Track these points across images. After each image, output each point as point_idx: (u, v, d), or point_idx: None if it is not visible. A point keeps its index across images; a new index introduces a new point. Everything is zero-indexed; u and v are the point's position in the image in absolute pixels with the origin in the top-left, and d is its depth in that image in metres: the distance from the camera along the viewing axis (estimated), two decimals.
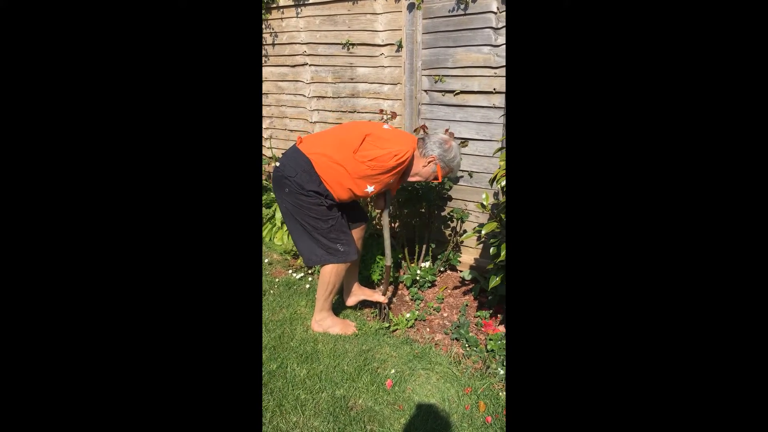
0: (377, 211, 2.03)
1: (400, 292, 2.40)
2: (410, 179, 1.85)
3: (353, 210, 1.96)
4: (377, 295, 2.09)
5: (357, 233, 2.00)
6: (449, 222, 2.42)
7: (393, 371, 1.74)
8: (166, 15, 0.64)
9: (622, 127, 0.62)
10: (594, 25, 0.63)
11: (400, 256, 2.53)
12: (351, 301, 2.16)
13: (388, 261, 2.03)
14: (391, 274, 2.22)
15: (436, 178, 1.81)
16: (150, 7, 0.63)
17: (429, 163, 1.76)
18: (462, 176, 2.37)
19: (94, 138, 0.62)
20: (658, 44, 0.61)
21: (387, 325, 2.05)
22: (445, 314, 2.20)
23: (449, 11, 2.17)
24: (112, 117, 0.62)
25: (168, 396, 0.63)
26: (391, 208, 2.00)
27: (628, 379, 0.61)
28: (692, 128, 0.60)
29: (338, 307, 2.18)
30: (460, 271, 2.48)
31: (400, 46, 2.38)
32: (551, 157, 0.66)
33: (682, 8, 0.59)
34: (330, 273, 1.84)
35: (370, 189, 1.70)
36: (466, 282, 2.43)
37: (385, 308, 2.09)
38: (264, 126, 3.30)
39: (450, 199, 2.46)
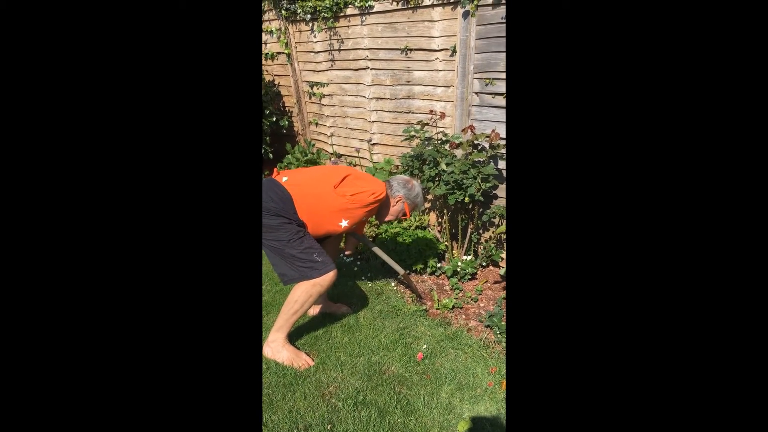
0: (348, 252, 2.28)
1: (440, 281, 2.54)
2: (386, 219, 2.00)
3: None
4: (344, 308, 2.17)
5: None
6: (493, 219, 2.53)
7: (425, 347, 1.90)
8: (166, 17, 0.64)
9: (624, 129, 0.63)
10: (593, 27, 0.63)
11: (443, 248, 2.68)
12: (314, 311, 2.15)
13: (401, 271, 2.21)
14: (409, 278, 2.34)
15: (404, 215, 2.00)
16: (150, 8, 0.63)
17: (397, 202, 1.96)
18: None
19: (92, 145, 0.62)
20: (658, 47, 0.61)
21: (425, 307, 2.21)
22: (482, 305, 2.32)
23: (501, 18, 2.30)
24: (110, 116, 0.63)
25: (168, 389, 0.64)
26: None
27: (626, 380, 0.62)
28: (701, 140, 0.60)
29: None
30: (501, 267, 2.57)
31: (454, 51, 2.54)
32: (551, 160, 0.66)
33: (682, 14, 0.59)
34: (302, 291, 1.71)
35: (344, 223, 1.77)
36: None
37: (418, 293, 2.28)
38: (327, 125, 3.59)
39: (495, 197, 2.56)
